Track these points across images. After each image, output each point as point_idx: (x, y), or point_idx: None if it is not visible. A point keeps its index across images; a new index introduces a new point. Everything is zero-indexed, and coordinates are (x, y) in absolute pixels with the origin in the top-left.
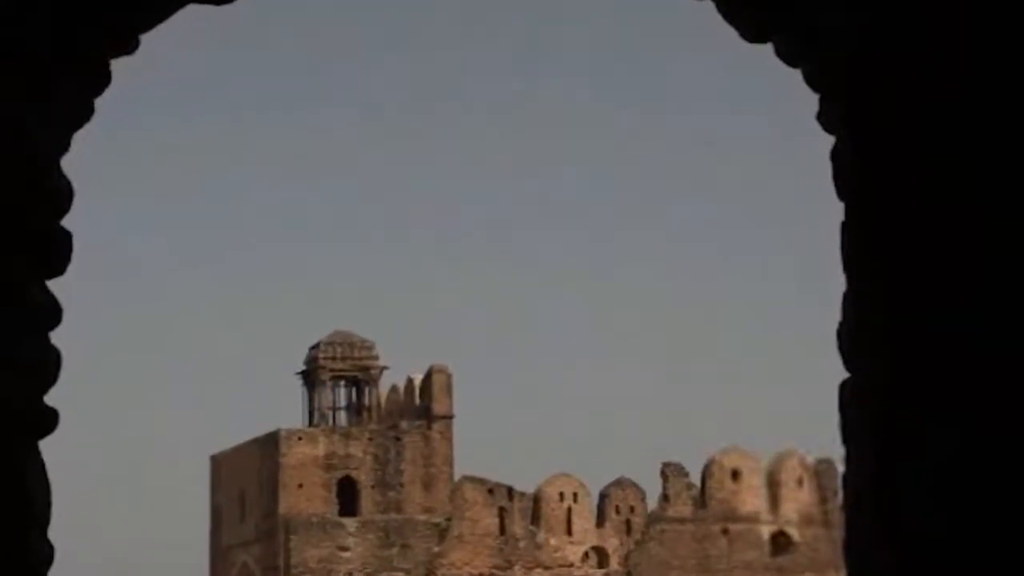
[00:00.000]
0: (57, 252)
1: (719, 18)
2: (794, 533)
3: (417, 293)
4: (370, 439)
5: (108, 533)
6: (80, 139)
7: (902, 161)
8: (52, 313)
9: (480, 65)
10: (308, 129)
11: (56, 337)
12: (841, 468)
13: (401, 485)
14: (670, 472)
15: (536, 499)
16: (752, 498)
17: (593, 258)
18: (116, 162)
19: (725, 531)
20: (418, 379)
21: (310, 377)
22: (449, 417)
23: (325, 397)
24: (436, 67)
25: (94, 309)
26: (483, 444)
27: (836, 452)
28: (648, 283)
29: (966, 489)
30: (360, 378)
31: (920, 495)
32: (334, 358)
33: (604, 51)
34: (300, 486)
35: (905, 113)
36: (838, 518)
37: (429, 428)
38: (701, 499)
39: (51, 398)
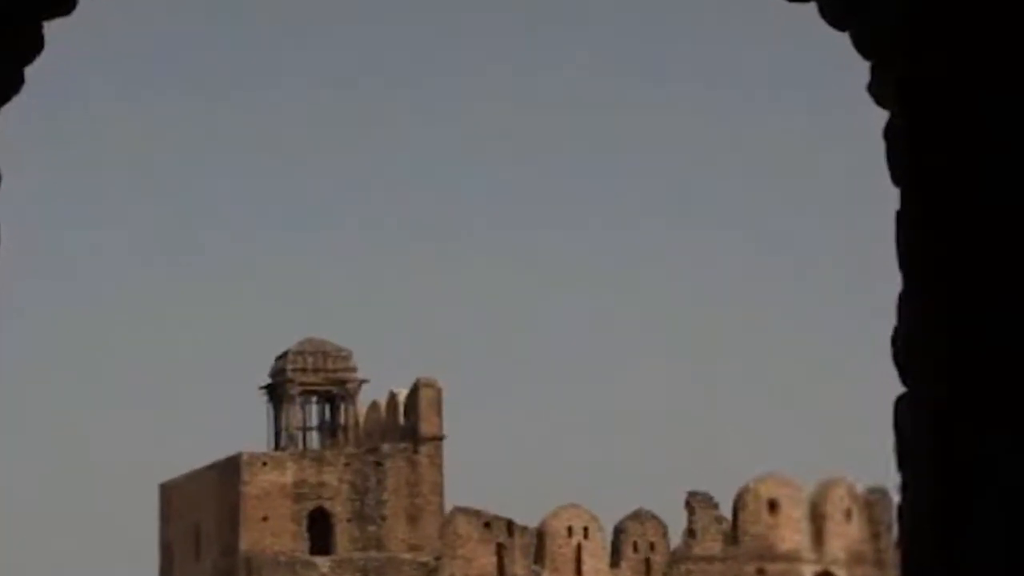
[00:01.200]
0: None
1: None
2: (841, 574)
3: (401, 295)
4: (346, 464)
5: (42, 571)
6: (7, 114)
7: (966, 139)
8: None
9: (476, 41)
10: (278, 109)
11: None
12: (896, 498)
13: (382, 518)
14: (696, 503)
15: (540, 534)
16: (792, 533)
17: (603, 255)
18: (50, 143)
19: (761, 571)
20: (402, 394)
21: (277, 392)
22: (438, 439)
23: (294, 415)
24: (426, 44)
25: (24, 313)
26: (478, 470)
27: (890, 479)
28: (667, 283)
29: None
30: (335, 393)
31: (988, 531)
32: (304, 370)
33: (609, 26)
34: (264, 519)
35: (969, 83)
36: (892, 556)
37: (415, 451)
38: (733, 534)
39: None
